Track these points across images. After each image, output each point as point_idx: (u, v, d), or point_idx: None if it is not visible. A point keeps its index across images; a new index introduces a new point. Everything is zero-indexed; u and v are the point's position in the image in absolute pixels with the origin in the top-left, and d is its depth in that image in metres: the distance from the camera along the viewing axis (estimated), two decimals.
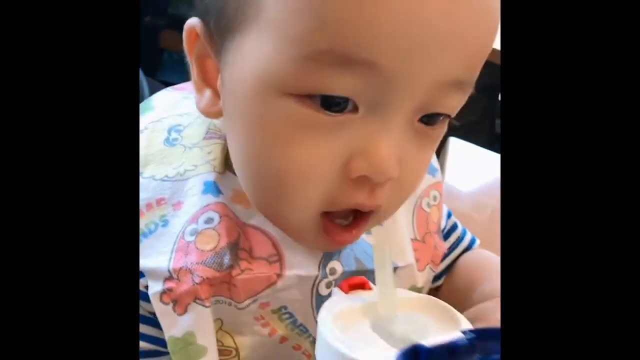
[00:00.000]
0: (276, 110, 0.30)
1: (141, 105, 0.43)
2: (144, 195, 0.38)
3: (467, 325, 0.30)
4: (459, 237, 0.50)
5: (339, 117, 0.30)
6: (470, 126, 0.96)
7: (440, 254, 0.46)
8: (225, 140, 0.39)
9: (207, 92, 0.36)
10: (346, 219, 0.34)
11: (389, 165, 0.31)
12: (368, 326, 0.31)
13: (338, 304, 0.32)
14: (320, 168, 0.31)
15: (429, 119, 0.33)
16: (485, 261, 0.48)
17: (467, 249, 0.50)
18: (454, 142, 0.88)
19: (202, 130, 0.40)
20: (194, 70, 0.36)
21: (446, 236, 0.49)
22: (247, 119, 0.32)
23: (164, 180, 0.38)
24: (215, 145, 0.39)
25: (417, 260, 0.43)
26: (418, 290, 0.44)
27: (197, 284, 0.35)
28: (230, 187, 0.38)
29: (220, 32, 0.33)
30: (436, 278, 0.47)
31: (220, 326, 0.38)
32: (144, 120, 0.41)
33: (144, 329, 0.38)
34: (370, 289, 0.33)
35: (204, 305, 0.36)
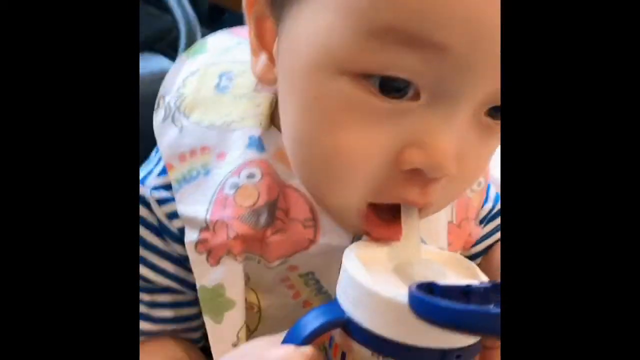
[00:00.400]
0: (330, 90, 0.29)
1: (195, 45, 0.43)
2: (189, 140, 0.38)
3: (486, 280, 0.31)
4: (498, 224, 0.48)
5: (398, 103, 0.29)
6: None
7: (473, 240, 0.45)
8: (275, 93, 0.37)
9: (263, 56, 0.35)
10: (392, 213, 0.33)
11: (447, 160, 0.29)
12: (390, 268, 0.32)
13: (365, 245, 0.32)
14: (371, 157, 0.30)
15: (497, 112, 0.30)
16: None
17: None
18: None
19: (252, 81, 0.39)
20: (251, 31, 0.35)
21: (492, 218, 0.47)
22: (300, 96, 0.31)
23: (209, 128, 0.38)
24: (265, 98, 0.38)
25: (450, 244, 0.41)
26: None
27: (231, 238, 0.36)
28: (275, 144, 0.37)
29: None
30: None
31: (246, 282, 0.38)
32: (197, 62, 0.41)
33: (169, 267, 0.39)
34: (398, 239, 0.33)
35: (235, 260, 0.36)
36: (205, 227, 0.36)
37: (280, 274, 0.38)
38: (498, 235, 0.46)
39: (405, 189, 0.31)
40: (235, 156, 0.37)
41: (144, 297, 0.40)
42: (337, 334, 0.31)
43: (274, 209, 0.36)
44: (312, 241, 0.37)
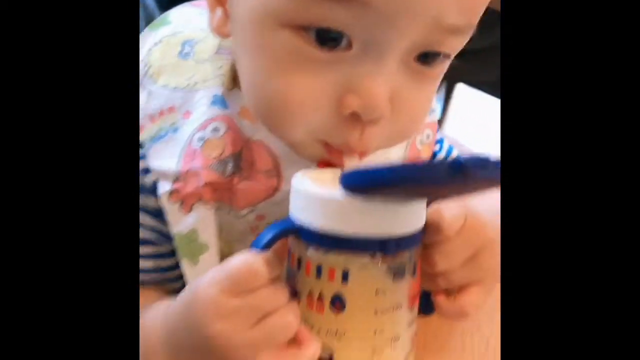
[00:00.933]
0: (274, 41, 0.33)
1: (158, 19, 0.47)
2: (156, 102, 0.41)
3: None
4: None
5: (333, 52, 0.32)
6: (487, 87, 0.93)
7: None
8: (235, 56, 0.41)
9: (218, 11, 0.38)
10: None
11: (380, 102, 0.33)
12: (334, 186, 0.33)
13: (313, 171, 0.36)
14: (316, 100, 0.33)
15: (426, 58, 0.34)
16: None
17: None
18: (462, 90, 0.88)
19: (213, 46, 0.43)
20: None
21: None
22: (249, 46, 0.35)
23: (175, 90, 0.41)
24: (226, 61, 0.42)
25: None
26: None
27: (201, 186, 0.39)
28: (238, 104, 0.41)
29: None
30: None
31: (220, 234, 0.41)
32: (160, 34, 0.45)
33: (147, 220, 0.42)
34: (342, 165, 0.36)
35: (206, 207, 0.40)
36: (177, 178, 0.39)
37: (250, 223, 0.42)
38: None
39: (348, 133, 0.34)
40: (200, 113, 0.40)
41: None
42: (292, 244, 0.34)
43: (239, 160, 0.40)
44: (276, 189, 0.40)
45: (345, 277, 0.32)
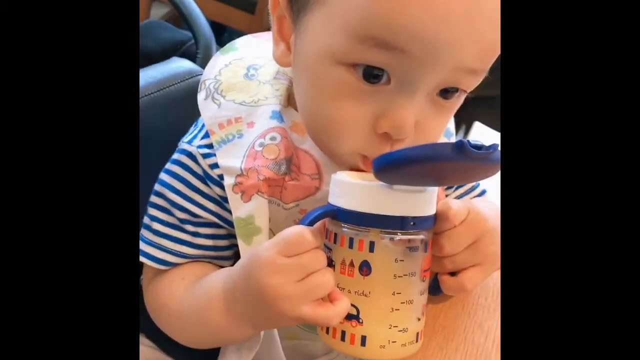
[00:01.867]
0: (329, 74, 0.42)
1: (227, 45, 0.58)
2: (226, 113, 0.51)
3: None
4: (472, 186, 0.61)
5: (375, 86, 0.41)
6: None
7: (440, 197, 0.56)
8: (290, 82, 0.52)
9: (282, 45, 0.48)
10: None
11: (407, 127, 0.42)
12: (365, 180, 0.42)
13: (346, 172, 0.45)
14: (358, 122, 0.43)
15: (446, 93, 0.43)
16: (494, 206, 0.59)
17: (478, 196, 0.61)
18: (479, 127, 0.96)
19: (273, 71, 0.54)
20: (274, 26, 0.48)
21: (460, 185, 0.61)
22: (309, 77, 0.44)
23: (241, 105, 0.52)
24: (282, 84, 0.53)
25: None
26: None
27: (260, 180, 0.49)
28: (291, 119, 0.51)
29: (298, 6, 0.44)
30: None
31: (269, 221, 0.51)
32: (229, 57, 0.56)
33: (210, 205, 0.51)
34: None
35: (263, 197, 0.49)
36: (241, 173, 0.49)
37: (293, 215, 0.51)
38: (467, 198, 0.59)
39: (380, 147, 0.44)
40: (261, 124, 0.50)
41: (189, 227, 0.52)
42: (329, 224, 0.43)
43: (290, 163, 0.49)
44: (318, 188, 0.50)
45: (371, 247, 0.41)
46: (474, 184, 0.61)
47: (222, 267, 0.53)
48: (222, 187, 0.50)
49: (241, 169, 0.49)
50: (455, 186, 0.60)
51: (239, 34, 0.59)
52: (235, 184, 0.49)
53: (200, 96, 0.54)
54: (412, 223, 0.41)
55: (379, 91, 0.42)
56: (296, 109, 0.50)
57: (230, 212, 0.50)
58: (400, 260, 0.41)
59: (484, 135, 0.94)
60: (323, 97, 0.44)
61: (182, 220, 0.52)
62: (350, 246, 0.41)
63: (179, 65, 0.70)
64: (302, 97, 0.47)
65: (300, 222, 0.43)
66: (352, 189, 0.41)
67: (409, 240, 0.41)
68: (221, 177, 0.50)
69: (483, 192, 0.62)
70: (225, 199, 0.50)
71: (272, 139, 0.50)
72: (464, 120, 0.87)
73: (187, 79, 0.68)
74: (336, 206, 0.42)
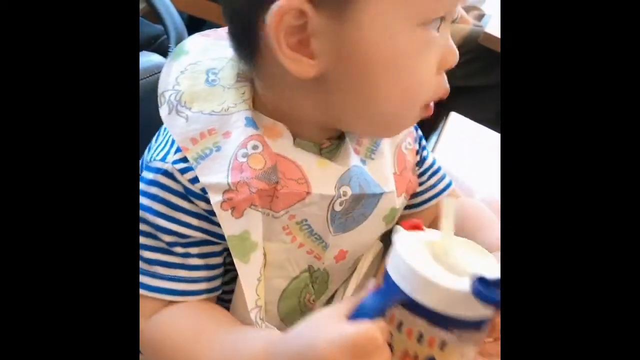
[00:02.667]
0: (409, 41, 0.43)
1: (176, 49, 0.52)
2: (196, 126, 0.47)
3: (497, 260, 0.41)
4: (439, 178, 0.62)
5: (439, 33, 0.44)
6: (488, 124, 1.05)
7: (414, 186, 0.59)
8: (252, 82, 0.49)
9: (302, 59, 0.43)
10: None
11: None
12: (432, 255, 0.41)
13: (406, 239, 0.42)
14: (432, 73, 0.45)
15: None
16: (479, 212, 0.62)
17: (444, 189, 0.62)
18: (455, 117, 0.95)
19: (233, 74, 0.49)
20: (281, 46, 0.42)
21: (431, 175, 0.62)
22: (379, 64, 0.43)
23: (211, 115, 0.47)
24: (246, 87, 0.49)
25: (396, 188, 0.55)
26: (395, 210, 0.56)
27: (253, 193, 0.45)
28: (262, 124, 0.48)
29: (339, 5, 0.41)
30: (413, 206, 0.61)
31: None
32: (183, 62, 0.50)
33: (195, 222, 0.48)
34: (422, 229, 0.44)
35: (256, 210, 0.46)
36: (229, 189, 0.45)
37: (282, 223, 0.49)
38: (431, 191, 0.62)
39: (439, 84, 0.47)
40: (238, 133, 0.46)
41: (178, 249, 0.48)
42: (395, 308, 0.40)
43: (276, 171, 0.46)
44: (308, 193, 0.48)
45: (443, 346, 0.39)
46: (440, 175, 0.63)
47: (215, 288, 0.50)
48: (206, 200, 0.46)
49: (228, 184, 0.45)
50: (425, 178, 0.62)
51: (218, 27, 0.54)
52: (224, 201, 0.45)
53: (163, 111, 0.48)
54: (484, 324, 0.40)
55: (440, 35, 0.44)
56: (262, 112, 0.48)
57: (217, 224, 0.47)
58: (466, 356, 0.40)
59: (461, 125, 0.94)
60: (404, 71, 0.44)
61: (170, 244, 0.48)
62: (419, 341, 0.39)
63: (148, 59, 0.67)
64: (359, 100, 0.45)
65: (360, 310, 0.39)
66: (436, 290, 0.38)
67: (477, 339, 0.40)
68: (204, 190, 0.46)
69: (449, 185, 0.63)
70: (212, 212, 0.46)
71: (255, 147, 0.46)
72: (443, 110, 0.86)
73: (155, 74, 0.65)
74: (412, 297, 0.39)
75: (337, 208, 0.50)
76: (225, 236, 0.46)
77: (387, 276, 0.40)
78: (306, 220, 0.50)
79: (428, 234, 0.44)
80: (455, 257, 0.41)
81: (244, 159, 0.46)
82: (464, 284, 0.37)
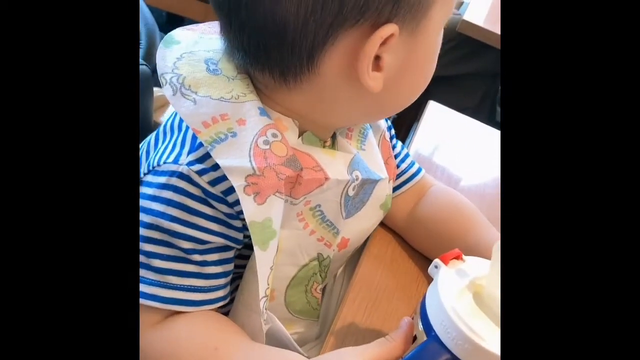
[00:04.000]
0: (438, 41, 0.47)
1: (166, 38, 0.50)
2: (206, 110, 0.45)
3: None
4: (409, 163, 0.65)
5: None
6: (469, 112, 1.03)
7: (396, 172, 0.62)
8: (250, 76, 0.48)
9: (377, 75, 0.44)
10: None
11: None
12: (472, 300, 0.40)
13: (449, 280, 0.41)
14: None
15: None
16: (462, 209, 0.62)
17: (415, 174, 0.64)
18: (433, 106, 0.94)
19: (232, 66, 0.48)
20: (368, 69, 0.43)
21: (402, 160, 0.64)
22: (424, 65, 0.47)
23: (221, 101, 0.46)
24: (248, 80, 0.48)
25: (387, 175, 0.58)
26: (389, 197, 0.60)
27: (281, 179, 0.44)
28: (272, 117, 0.47)
29: (413, 19, 0.43)
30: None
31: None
32: (177, 50, 0.49)
33: (215, 227, 0.46)
34: (462, 259, 0.44)
35: (280, 197, 0.45)
36: (253, 173, 0.43)
37: (297, 209, 0.49)
38: (403, 176, 0.64)
39: None
40: (255, 121, 0.45)
41: (196, 257, 0.46)
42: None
43: (297, 159, 0.46)
44: (326, 178, 0.49)
45: None
46: (410, 161, 0.65)
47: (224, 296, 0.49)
48: (227, 204, 0.45)
49: (253, 168, 0.44)
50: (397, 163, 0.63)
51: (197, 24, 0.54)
52: (247, 185, 0.43)
53: (167, 91, 0.46)
54: None
55: None
56: (269, 106, 0.48)
57: (236, 229, 0.47)
58: None
59: (440, 114, 0.93)
60: (432, 64, 0.48)
61: (187, 251, 0.45)
62: None
63: None
64: (395, 95, 0.48)
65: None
66: (486, 356, 0.37)
67: None
68: (225, 193, 0.45)
69: (419, 170, 0.65)
70: (231, 216, 0.46)
71: (274, 136, 0.46)
72: (422, 98, 0.89)
73: None
74: (453, 355, 0.38)
75: (350, 193, 0.52)
76: (247, 222, 0.44)
77: (432, 335, 0.40)
78: (319, 206, 0.50)
79: (470, 266, 0.43)
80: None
81: (266, 146, 0.44)
82: None
